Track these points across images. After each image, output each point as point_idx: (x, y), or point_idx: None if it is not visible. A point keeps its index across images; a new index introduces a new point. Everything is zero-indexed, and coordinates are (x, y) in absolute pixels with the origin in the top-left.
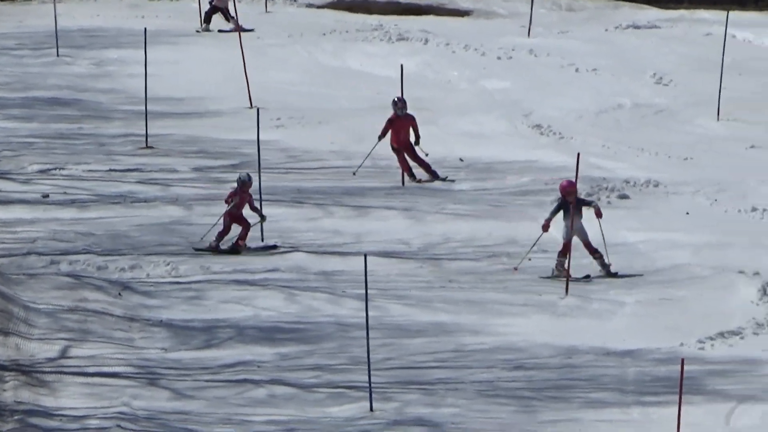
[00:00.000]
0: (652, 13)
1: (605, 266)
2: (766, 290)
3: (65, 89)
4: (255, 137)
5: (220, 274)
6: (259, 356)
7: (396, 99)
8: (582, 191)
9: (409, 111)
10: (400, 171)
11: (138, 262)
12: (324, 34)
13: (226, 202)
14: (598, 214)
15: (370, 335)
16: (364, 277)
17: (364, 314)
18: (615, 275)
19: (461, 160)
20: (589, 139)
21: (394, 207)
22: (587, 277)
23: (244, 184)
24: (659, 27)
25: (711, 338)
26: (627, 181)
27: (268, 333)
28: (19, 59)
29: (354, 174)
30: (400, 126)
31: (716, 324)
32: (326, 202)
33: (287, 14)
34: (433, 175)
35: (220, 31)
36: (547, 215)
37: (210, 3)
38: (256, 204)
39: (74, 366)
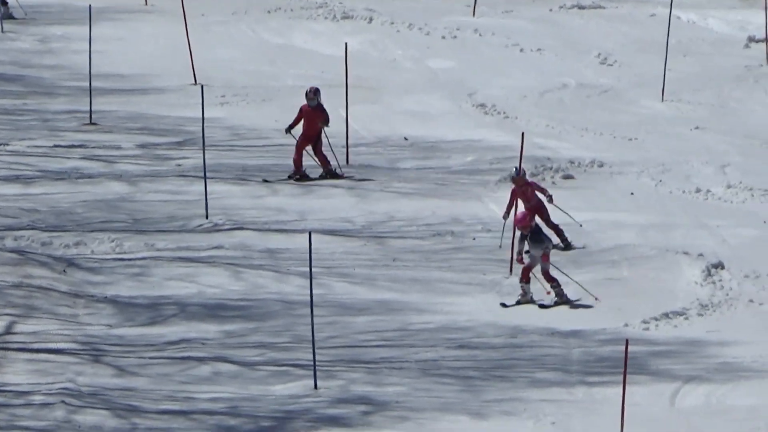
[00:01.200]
0: None
1: (561, 296)
2: (710, 271)
3: (9, 65)
4: (200, 114)
5: (165, 251)
6: (204, 333)
7: (308, 90)
8: (527, 170)
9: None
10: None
11: (82, 239)
12: (269, 12)
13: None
14: (545, 258)
15: (315, 313)
16: (308, 255)
17: (309, 292)
18: (568, 301)
19: (406, 138)
20: (533, 119)
21: (339, 185)
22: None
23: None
24: (604, 7)
25: (655, 319)
26: (571, 162)
27: (213, 310)
28: None
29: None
30: (311, 117)
31: (660, 305)
32: (270, 179)
33: None
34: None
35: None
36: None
37: None
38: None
39: (19, 342)
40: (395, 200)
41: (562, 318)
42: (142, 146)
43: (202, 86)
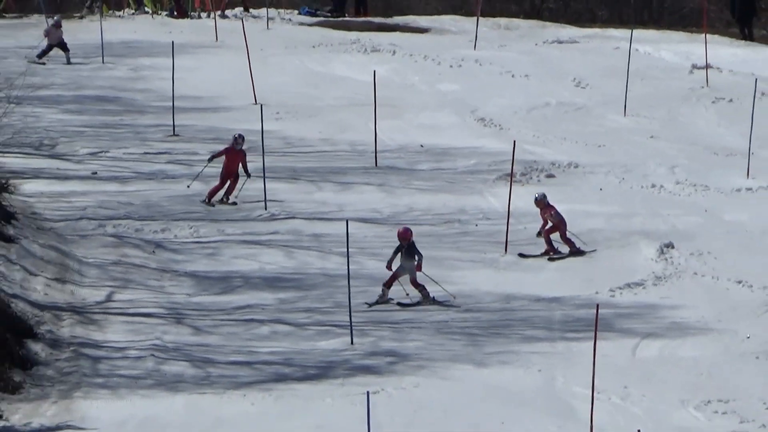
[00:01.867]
0: (573, 31)
1: (427, 297)
2: (663, 250)
3: (108, 89)
4: (259, 128)
5: (233, 236)
6: (263, 301)
7: (236, 135)
8: (517, 172)
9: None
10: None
11: (167, 226)
12: (313, 47)
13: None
14: (419, 268)
15: (351, 284)
16: (346, 239)
17: (346, 268)
18: (433, 301)
19: (422, 146)
20: (522, 130)
21: (370, 183)
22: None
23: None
24: (578, 42)
25: (619, 288)
26: (553, 163)
27: (271, 282)
28: (73, 65)
29: (188, 187)
30: (233, 158)
31: (623, 277)
32: (316, 179)
33: (284, 30)
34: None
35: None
36: (390, 256)
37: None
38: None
39: (117, 308)
40: (414, 195)
41: (545, 287)
42: (214, 152)
43: (261, 105)
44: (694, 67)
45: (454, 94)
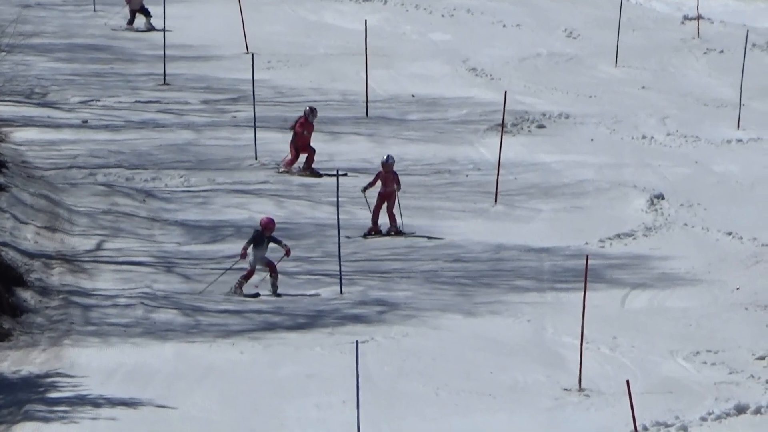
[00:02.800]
0: None
1: (274, 285)
2: (653, 201)
3: (100, 38)
4: (250, 77)
5: (223, 185)
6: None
7: (308, 108)
8: (507, 122)
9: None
10: None
11: (158, 175)
12: None
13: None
14: (287, 254)
15: (341, 234)
16: (336, 189)
17: (336, 218)
18: (279, 295)
19: (413, 96)
20: (513, 80)
21: (360, 133)
22: (256, 295)
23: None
24: None
25: (609, 238)
26: (544, 114)
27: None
28: (64, 14)
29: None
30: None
31: (614, 227)
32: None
33: None
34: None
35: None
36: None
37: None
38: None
39: (107, 256)
40: (404, 145)
41: (535, 237)
42: (205, 102)
43: (252, 54)
44: (686, 18)
45: (446, 43)
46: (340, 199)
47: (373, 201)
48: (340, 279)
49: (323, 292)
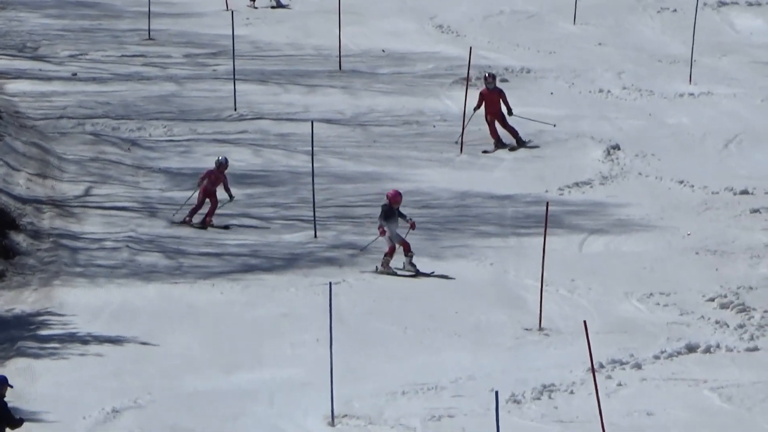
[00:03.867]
0: None
1: (413, 265)
2: (609, 151)
3: None
4: (230, 32)
5: (203, 135)
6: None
7: (486, 74)
8: (472, 76)
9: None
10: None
11: (143, 125)
12: None
13: (200, 181)
14: (412, 227)
15: (315, 181)
16: (311, 138)
17: (311, 165)
18: (419, 273)
19: (383, 51)
20: (478, 37)
21: (334, 86)
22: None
23: (221, 165)
24: None
25: (568, 186)
26: (506, 68)
27: (239, 178)
28: None
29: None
30: (491, 99)
31: (572, 176)
32: (283, 81)
33: None
34: (519, 142)
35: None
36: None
37: None
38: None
39: (95, 202)
40: (375, 97)
41: (498, 185)
42: (187, 56)
43: (232, 11)
44: None
45: (414, 2)
46: (314, 148)
47: None
48: (315, 224)
49: (298, 237)
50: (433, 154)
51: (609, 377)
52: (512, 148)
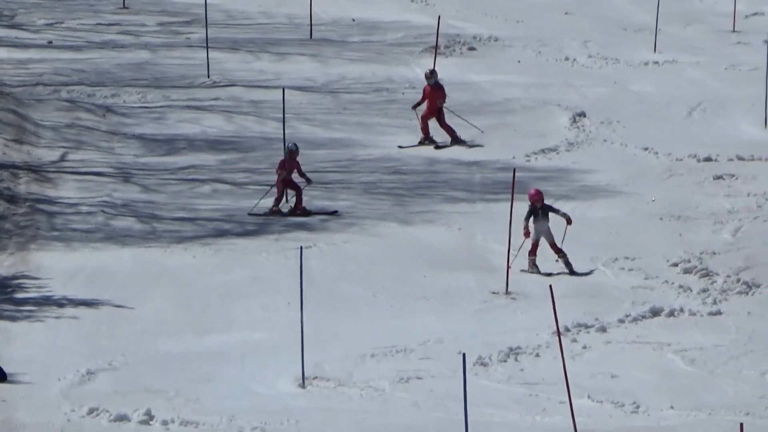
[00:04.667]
0: None
1: (568, 265)
2: (575, 118)
3: None
4: (203, 1)
5: (177, 101)
6: (205, 161)
7: (427, 70)
8: (441, 45)
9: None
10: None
11: (117, 92)
12: None
13: (277, 171)
14: (569, 222)
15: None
16: (282, 105)
17: (282, 132)
18: (574, 273)
19: (353, 20)
20: (446, 5)
21: (305, 54)
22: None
23: (292, 152)
24: None
25: (535, 153)
26: (474, 37)
27: (212, 144)
28: None
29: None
30: (432, 95)
31: (539, 143)
32: (254, 49)
33: None
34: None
35: None
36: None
37: None
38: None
39: (70, 167)
40: (346, 65)
41: (466, 151)
42: (161, 24)
43: None
44: None
45: None
46: (286, 115)
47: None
48: (285, 190)
49: (269, 203)
50: (401, 120)
51: (574, 340)
52: (439, 147)
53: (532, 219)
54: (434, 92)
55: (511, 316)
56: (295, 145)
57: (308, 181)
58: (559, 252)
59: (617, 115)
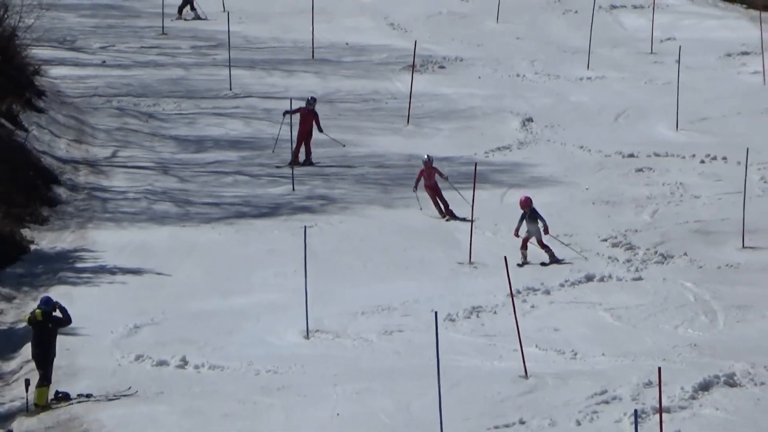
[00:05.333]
0: None
1: (553, 257)
2: (524, 123)
3: None
4: (227, 29)
5: (206, 109)
6: (228, 157)
7: (309, 97)
8: (417, 64)
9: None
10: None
11: (157, 102)
12: None
13: (416, 182)
14: (546, 231)
15: (294, 146)
16: (290, 115)
17: (290, 134)
18: (559, 261)
19: (347, 44)
20: (422, 33)
21: (308, 71)
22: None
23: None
24: None
25: (492, 150)
26: (444, 57)
27: (234, 144)
28: None
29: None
30: (305, 119)
31: (495, 142)
32: (267, 67)
33: None
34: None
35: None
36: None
37: None
38: (222, 65)
39: (120, 162)
40: (341, 80)
41: (438, 149)
42: (193, 47)
43: (228, 12)
44: None
45: (371, 4)
46: (293, 120)
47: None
48: (293, 179)
49: (280, 190)
50: (385, 124)
51: (524, 301)
52: (298, 165)
53: (524, 222)
54: (309, 116)
55: (474, 282)
56: (428, 156)
57: (445, 178)
58: (545, 248)
59: (558, 120)
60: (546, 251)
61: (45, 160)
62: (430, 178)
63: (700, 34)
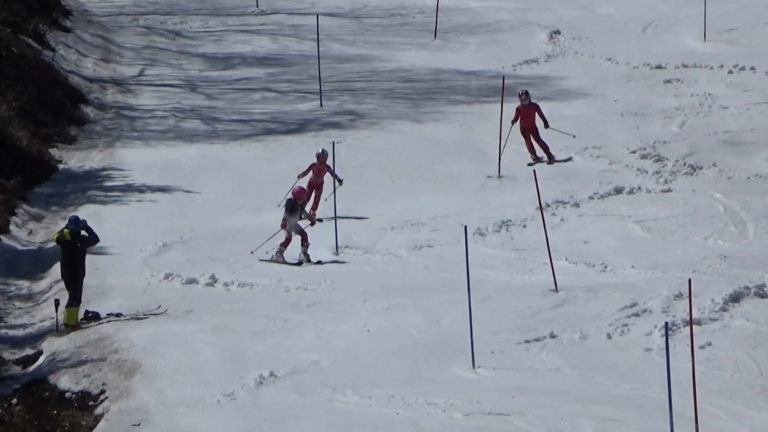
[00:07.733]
0: None
1: (306, 255)
2: (552, 35)
3: None
4: None
5: (233, 26)
6: (256, 74)
7: (520, 91)
8: None
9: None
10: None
11: (185, 19)
12: None
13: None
14: (312, 223)
15: (321, 62)
16: (316, 28)
17: (317, 49)
18: (310, 261)
19: None
20: None
21: None
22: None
23: (319, 157)
24: None
25: (520, 64)
26: None
27: (261, 60)
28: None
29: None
30: (526, 114)
31: (523, 55)
32: None
33: None
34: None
35: None
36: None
37: None
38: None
39: (147, 80)
40: None
41: (465, 63)
42: None
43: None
44: None
45: None
46: (320, 36)
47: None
48: (320, 95)
49: (308, 106)
50: (413, 39)
51: (554, 214)
52: (538, 161)
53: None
54: (529, 111)
55: (503, 195)
56: (324, 150)
57: (339, 181)
58: (304, 240)
59: (586, 33)
60: (303, 247)
61: (72, 80)
62: (319, 175)
63: None
